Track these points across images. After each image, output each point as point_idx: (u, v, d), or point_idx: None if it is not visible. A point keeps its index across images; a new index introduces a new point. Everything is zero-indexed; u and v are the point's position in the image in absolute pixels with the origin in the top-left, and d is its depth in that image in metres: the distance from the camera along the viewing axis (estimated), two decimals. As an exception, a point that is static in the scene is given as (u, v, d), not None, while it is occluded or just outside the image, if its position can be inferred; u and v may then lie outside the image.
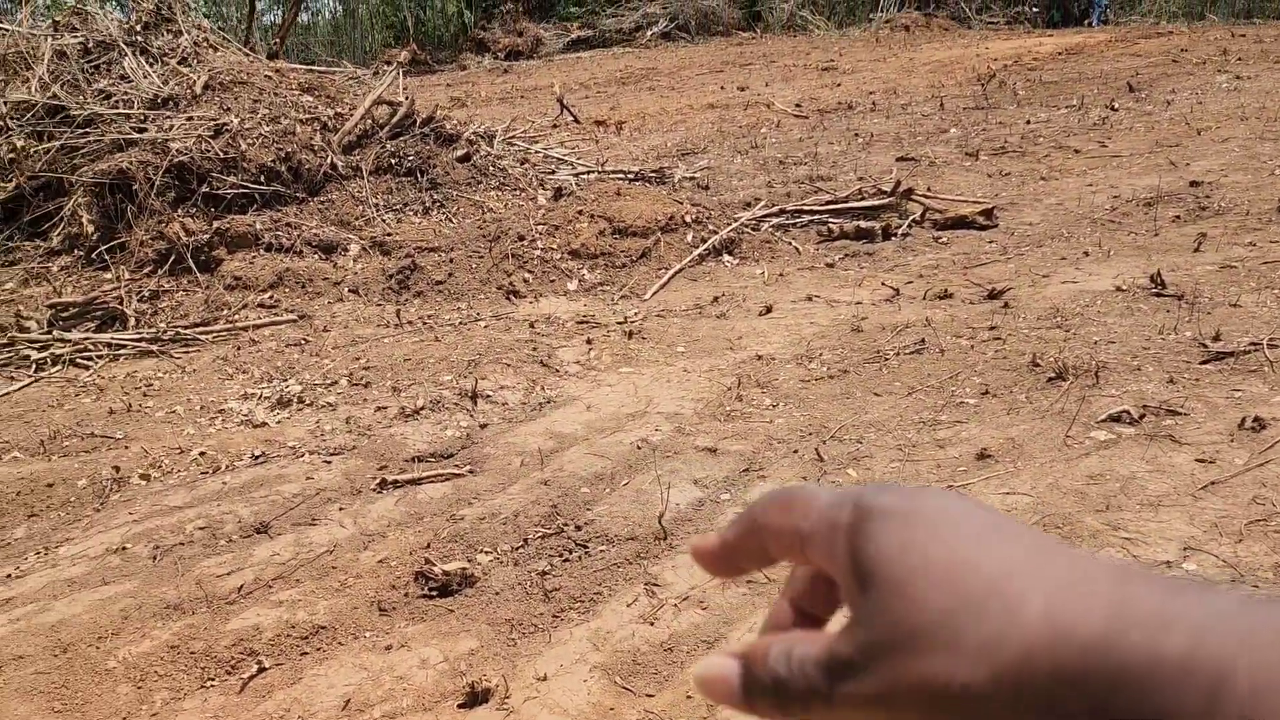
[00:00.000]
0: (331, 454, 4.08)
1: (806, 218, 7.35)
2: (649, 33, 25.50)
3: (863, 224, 6.97)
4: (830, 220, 7.20)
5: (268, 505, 3.65)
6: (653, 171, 8.72)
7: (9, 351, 6.05)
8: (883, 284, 5.75)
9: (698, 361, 4.86)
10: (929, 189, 7.66)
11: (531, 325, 5.57)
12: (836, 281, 6.03)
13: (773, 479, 3.55)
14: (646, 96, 15.65)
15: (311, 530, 3.45)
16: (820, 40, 23.12)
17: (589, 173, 8.58)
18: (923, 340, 4.74)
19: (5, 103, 9.10)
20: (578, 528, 3.34)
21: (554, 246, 6.62)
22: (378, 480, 3.77)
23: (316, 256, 6.94)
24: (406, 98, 8.77)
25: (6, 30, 10.72)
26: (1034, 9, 26.63)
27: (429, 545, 3.28)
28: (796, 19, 26.09)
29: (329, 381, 4.96)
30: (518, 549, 3.26)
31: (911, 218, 7.07)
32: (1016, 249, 6.34)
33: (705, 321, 5.48)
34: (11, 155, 8.35)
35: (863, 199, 7.50)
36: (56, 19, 10.83)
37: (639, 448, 3.91)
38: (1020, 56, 15.93)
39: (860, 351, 4.73)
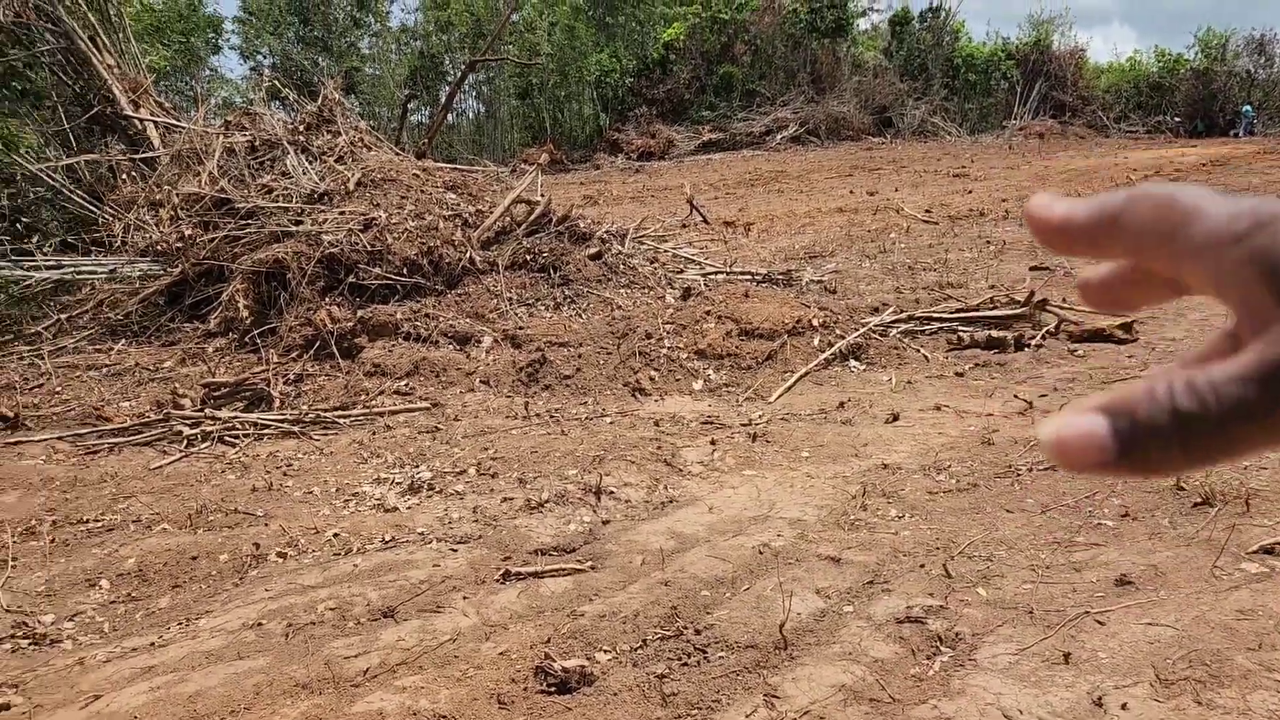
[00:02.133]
0: (458, 542, 4.17)
1: (936, 325, 7.26)
2: (779, 136, 25.95)
3: (994, 333, 6.84)
4: (960, 328, 7.09)
5: (395, 590, 3.74)
6: (780, 273, 8.78)
7: (164, 426, 6.42)
8: (1015, 396, 5.60)
9: (822, 467, 4.81)
10: (1064, 300, 7.48)
11: (656, 423, 5.62)
12: (966, 391, 5.91)
13: (898, 593, 3.46)
14: (775, 199, 15.85)
15: (436, 618, 3.51)
16: (951, 146, 23.08)
17: (717, 273, 8.71)
18: (1059, 456, 4.58)
19: (177, 194, 9.86)
20: (697, 631, 3.30)
21: (681, 346, 6.70)
22: (501, 571, 3.82)
23: (451, 347, 7.20)
24: (543, 197, 9.12)
25: (183, 128, 11.67)
26: (1175, 119, 26.01)
27: (549, 640, 3.30)
28: (927, 125, 26.16)
29: (458, 470, 5.09)
30: (637, 649, 3.24)
31: (1046, 329, 6.91)
32: (1158, 365, 6.11)
33: (830, 427, 5.43)
34: (180, 243, 9.00)
35: (995, 308, 7.38)
36: (228, 119, 11.74)
37: (760, 552, 3.87)
38: (1161, 167, 15.55)
39: (991, 465, 4.60)
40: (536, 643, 3.29)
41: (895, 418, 5.41)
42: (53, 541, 4.67)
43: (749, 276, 8.63)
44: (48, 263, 9.51)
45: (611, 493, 4.62)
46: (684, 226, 13.26)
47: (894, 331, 7.11)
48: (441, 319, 7.48)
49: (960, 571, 3.58)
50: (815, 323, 6.92)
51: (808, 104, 26.78)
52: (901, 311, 7.49)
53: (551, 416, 5.95)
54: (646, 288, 8.03)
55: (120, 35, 12.58)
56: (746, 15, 28.13)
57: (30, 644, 3.72)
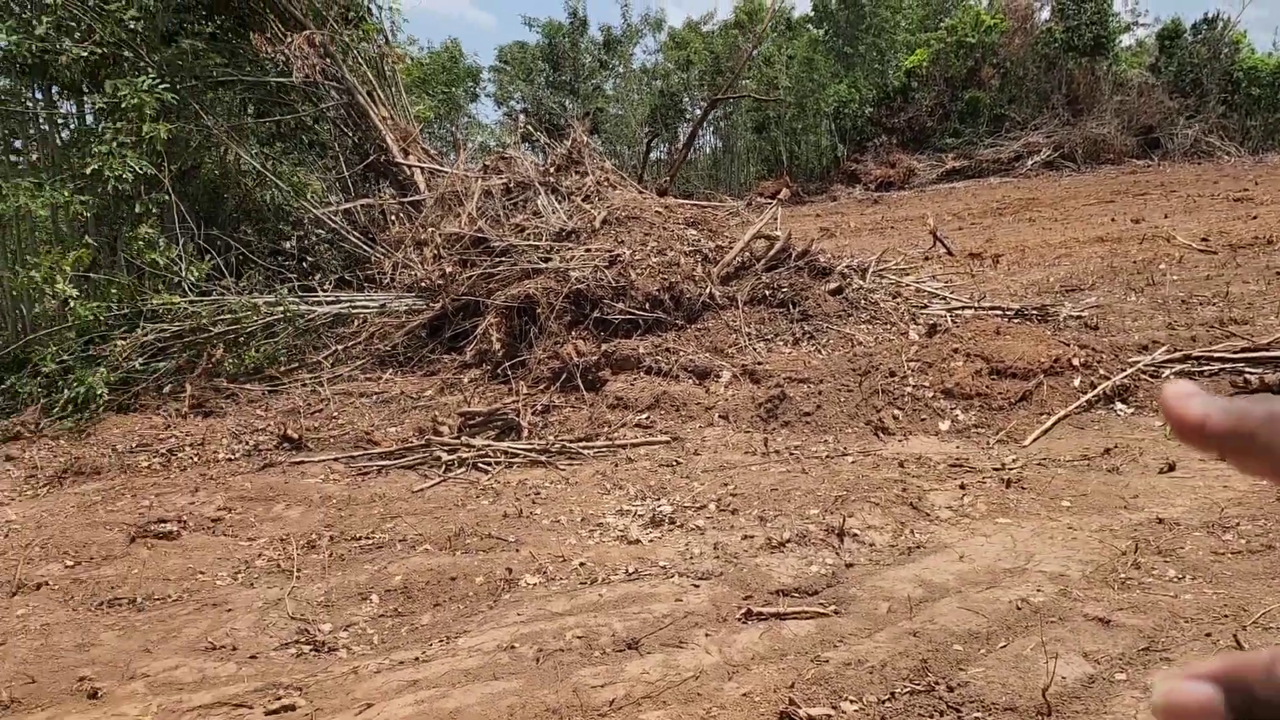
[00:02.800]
0: (699, 578, 4.18)
1: (1217, 365, 6.62)
2: (1030, 162, 24.71)
3: (1288, 375, 6.16)
4: (1247, 370, 6.43)
5: (639, 622, 3.79)
6: (1034, 309, 8.31)
7: (425, 452, 6.87)
8: (1316, 446, 5.00)
9: (1086, 519, 4.48)
10: (1373, 338, 6.63)
11: (901, 465, 5.43)
12: (1255, 439, 5.33)
13: (1180, 663, 3.14)
14: (1026, 228, 15.06)
15: (679, 653, 3.53)
16: (1230, 168, 21.14)
17: (964, 308, 8.35)
18: (1373, 518, 4.05)
19: (440, 234, 10.58)
20: (950, 688, 3.14)
21: (926, 384, 6.46)
22: (743, 610, 3.80)
23: (691, 381, 7.28)
24: (782, 232, 9.10)
25: (445, 172, 12.55)
26: None
27: (793, 685, 3.23)
28: (1202, 145, 24.10)
29: (698, 505, 5.12)
30: (885, 702, 3.12)
31: (1352, 370, 6.14)
32: None
33: (1094, 475, 5.05)
34: (440, 280, 9.64)
35: (1287, 346, 6.64)
36: (485, 163, 12.51)
37: (1019, 608, 3.64)
38: None
39: (1289, 525, 4.12)
40: (780, 686, 3.23)
41: (1171, 468, 4.96)
42: (330, 556, 5.08)
43: (999, 312, 8.22)
44: (328, 298, 10.44)
45: (855, 535, 4.50)
46: (926, 259, 12.84)
47: (1166, 372, 6.54)
48: (682, 353, 7.59)
49: (1255, 644, 3.21)
50: (1075, 362, 6.48)
51: (1062, 127, 25.35)
52: (1175, 350, 6.89)
53: (791, 454, 5.88)
54: (889, 323, 7.82)
55: (393, 89, 13.72)
56: (995, 38, 27.06)
57: (311, 650, 4.06)
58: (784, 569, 4.22)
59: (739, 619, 3.76)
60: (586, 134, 11.68)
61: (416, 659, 3.74)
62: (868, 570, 4.15)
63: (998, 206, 18.10)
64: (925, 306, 8.51)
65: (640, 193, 11.09)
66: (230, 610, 4.48)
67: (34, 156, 11.36)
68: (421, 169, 12.96)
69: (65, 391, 8.89)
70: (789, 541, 4.47)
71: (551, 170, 10.87)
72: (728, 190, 25.36)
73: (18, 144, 11.96)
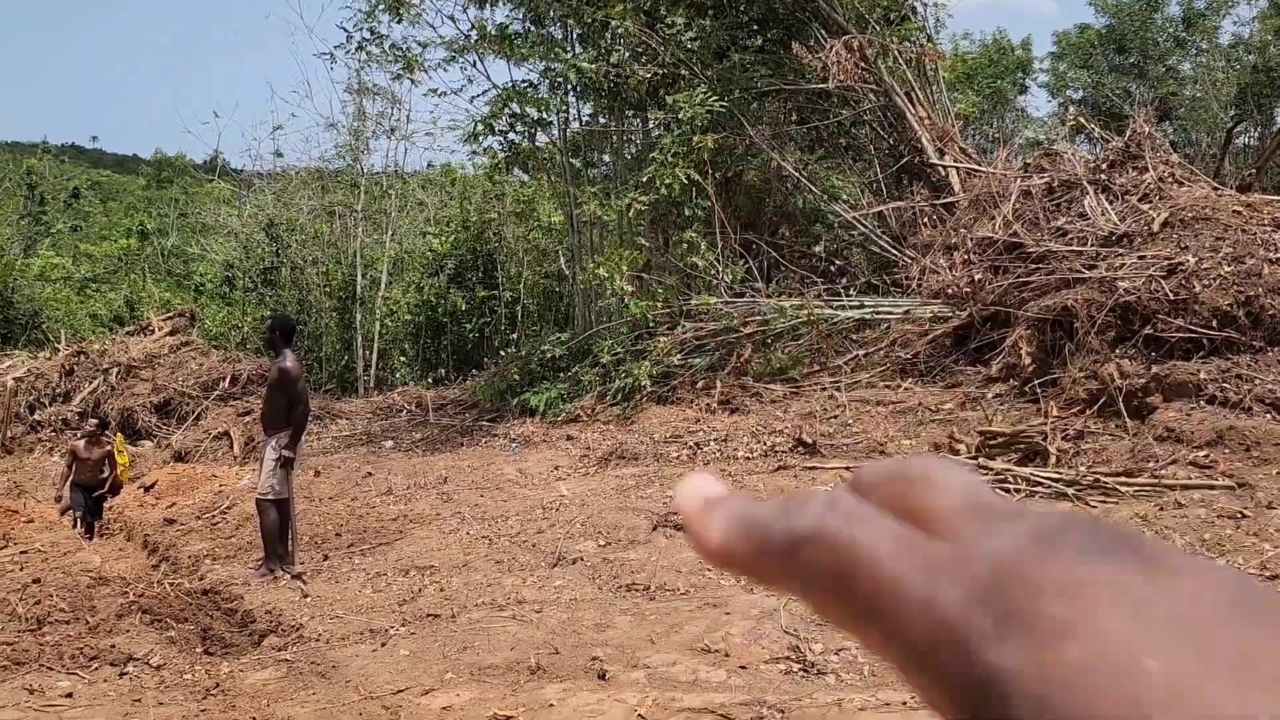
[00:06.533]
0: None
1: None
2: None
3: None
4: None
5: None
6: None
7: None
8: None
9: None
10: None
11: None
12: None
13: None
14: None
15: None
16: None
17: None
18: None
19: (970, 238, 10.02)
20: None
21: None
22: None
23: (1269, 417, 6.03)
24: None
25: (983, 172, 11.89)
26: None
27: None
28: None
29: (1267, 574, 4.16)
30: None
31: None
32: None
33: None
34: (969, 287, 9.12)
35: None
36: (1027, 161, 11.63)
37: None
38: None
39: None
40: None
41: None
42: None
43: None
44: (853, 302, 10.44)
45: None
46: None
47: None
48: (1258, 381, 6.32)
49: None
50: None
51: None
52: None
53: None
54: None
55: (933, 88, 13.34)
56: None
57: (800, 670, 3.97)
58: None
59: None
60: (1149, 123, 10.30)
61: (904, 704, 3.45)
62: None
63: None
64: None
65: (1215, 189, 9.51)
66: (728, 614, 4.55)
67: (605, 170, 12.91)
68: (957, 169, 12.44)
69: (616, 381, 9.93)
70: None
71: (1103, 166, 9.75)
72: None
73: (605, 158, 13.68)
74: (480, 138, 11.89)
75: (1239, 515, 4.98)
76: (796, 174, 12.44)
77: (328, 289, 19.26)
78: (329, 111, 37.09)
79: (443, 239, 18.53)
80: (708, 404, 9.29)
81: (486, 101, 12.25)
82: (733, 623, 4.44)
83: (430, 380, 16.83)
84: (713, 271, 10.87)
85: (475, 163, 16.44)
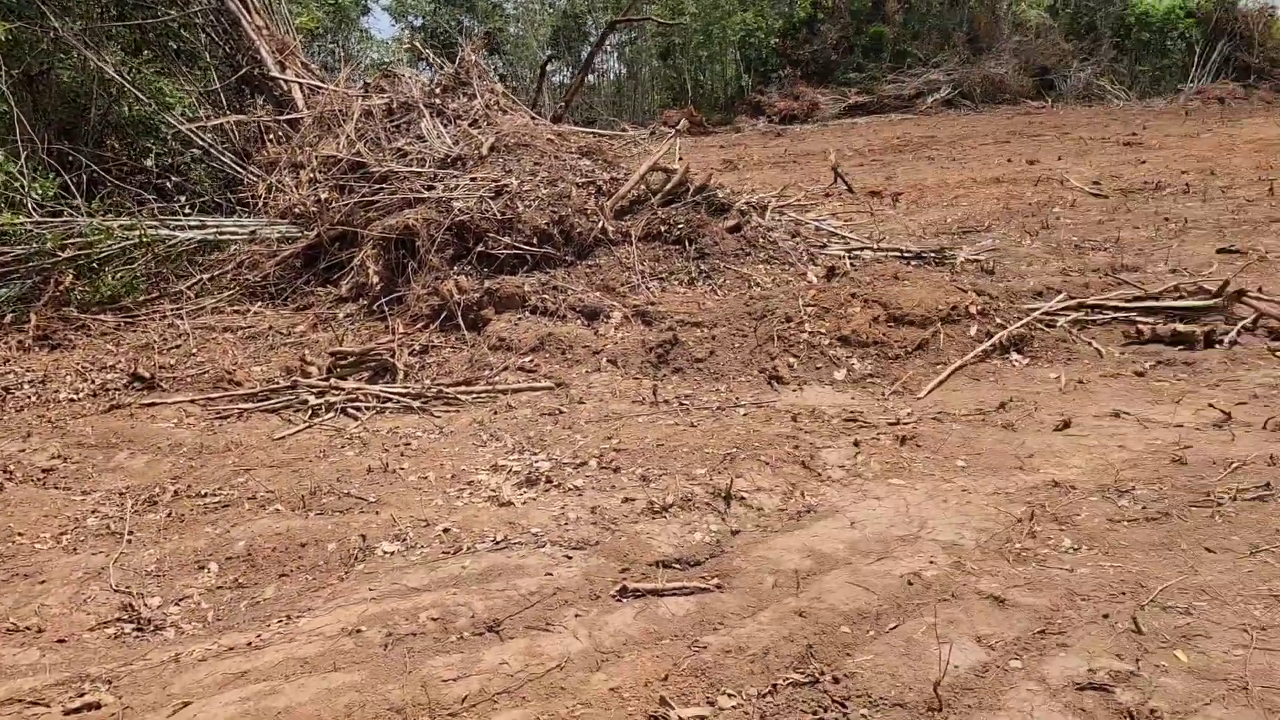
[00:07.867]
0: (573, 548, 3.85)
1: (1110, 314, 6.54)
2: (929, 100, 24.68)
3: (1180, 327, 6.09)
4: (1139, 319, 6.36)
5: (503, 601, 3.45)
6: (932, 251, 8.14)
7: (292, 394, 6.34)
8: (1209, 404, 4.91)
9: (980, 480, 4.29)
10: (1260, 289, 6.63)
11: (794, 418, 5.17)
12: (1149, 395, 5.23)
13: (1077, 650, 2.94)
14: (925, 167, 14.97)
15: (544, 638, 3.20)
16: (1120, 112, 21.46)
17: (863, 249, 8.12)
18: (1268, 485, 3.93)
19: (316, 157, 9.85)
20: (835, 680, 2.88)
21: (822, 331, 6.21)
22: (618, 586, 3.48)
23: (579, 322, 6.89)
24: (680, 164, 8.69)
25: (325, 89, 11.71)
26: (1383, 81, 23.62)
27: (666, 677, 2.93)
28: (1093, 88, 24.41)
29: (579, 461, 4.78)
30: (765, 696, 2.85)
31: (1241, 323, 6.11)
32: None
33: (989, 431, 4.87)
34: (316, 207, 8.97)
35: (1180, 297, 6.59)
36: (368, 81, 11.72)
37: (910, 583, 3.41)
38: (1369, 136, 13.97)
39: (1185, 490, 3.99)
40: (652, 679, 2.93)
41: (1066, 425, 4.81)
42: (169, 516, 4.59)
43: (898, 254, 8.02)
44: (192, 222, 9.66)
45: (742, 498, 4.22)
46: (827, 195, 12.62)
47: (1061, 321, 6.43)
48: (570, 292, 7.18)
49: (1153, 626, 3.03)
50: (973, 309, 6.30)
51: (962, 65, 25.29)
52: (1070, 298, 6.78)
53: (681, 404, 5.57)
54: (787, 264, 7.53)
55: (269, -4, 12.70)
56: (901, -29, 26.75)
57: (134, 630, 3.60)
58: (665, 537, 3.91)
59: (613, 596, 3.44)
60: (477, 54, 10.99)
61: (249, 644, 3.32)
62: (754, 538, 3.87)
63: (898, 144, 18.00)
64: (824, 247, 8.25)
65: (533, 119, 10.50)
66: (44, 582, 3.97)
67: None
68: (300, 85, 12.08)
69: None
70: (672, 506, 4.16)
71: (437, 91, 10.20)
72: (632, 119, 24.72)
73: None
74: None
75: (557, 412, 5.63)
76: (119, 78, 11.03)
77: None
78: None
79: None
80: (20, 340, 7.95)
81: None
82: (50, 591, 3.88)
83: None
84: (16, 186, 9.24)
85: None
